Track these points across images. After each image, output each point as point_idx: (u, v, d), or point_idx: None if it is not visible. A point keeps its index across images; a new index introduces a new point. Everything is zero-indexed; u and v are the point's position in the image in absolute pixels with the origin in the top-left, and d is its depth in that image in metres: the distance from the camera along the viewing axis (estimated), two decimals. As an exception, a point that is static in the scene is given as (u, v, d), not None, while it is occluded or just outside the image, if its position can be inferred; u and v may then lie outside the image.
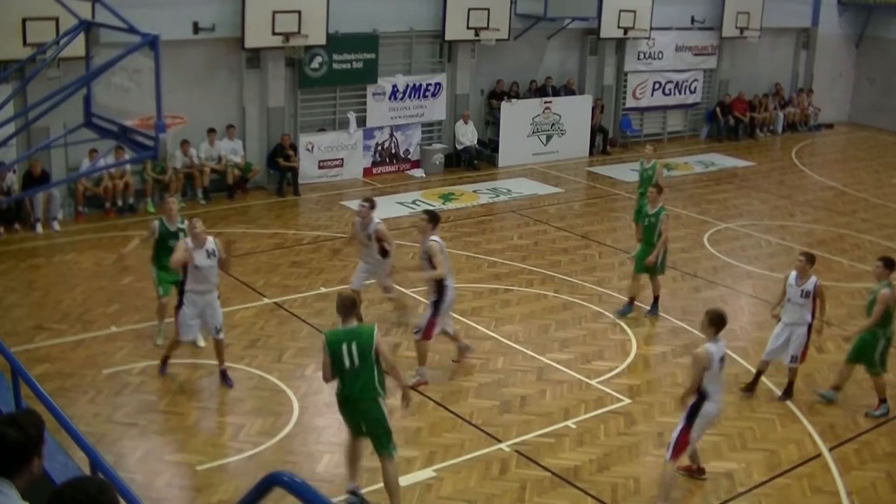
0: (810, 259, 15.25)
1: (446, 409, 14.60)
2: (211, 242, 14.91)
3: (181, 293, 15.20)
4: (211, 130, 25.52)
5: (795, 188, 29.91)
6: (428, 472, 12.87)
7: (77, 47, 14.95)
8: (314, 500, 4.77)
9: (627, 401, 15.16)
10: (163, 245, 15.91)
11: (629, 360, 16.68)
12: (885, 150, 36.79)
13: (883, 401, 15.15)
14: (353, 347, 11.23)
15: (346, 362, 11.24)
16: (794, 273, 15.27)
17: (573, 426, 14.29)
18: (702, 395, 11.99)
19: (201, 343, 16.18)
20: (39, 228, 22.24)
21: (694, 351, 12.21)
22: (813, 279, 15.14)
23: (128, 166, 23.12)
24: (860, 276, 21.33)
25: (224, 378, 15.08)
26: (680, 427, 12.10)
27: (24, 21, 21.17)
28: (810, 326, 15.21)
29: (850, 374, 15.44)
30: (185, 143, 24.32)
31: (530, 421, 14.37)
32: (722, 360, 12.06)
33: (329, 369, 11.39)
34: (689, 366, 12.06)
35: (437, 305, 15.14)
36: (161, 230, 16.05)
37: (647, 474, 13.08)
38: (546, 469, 13.06)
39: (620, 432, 14.24)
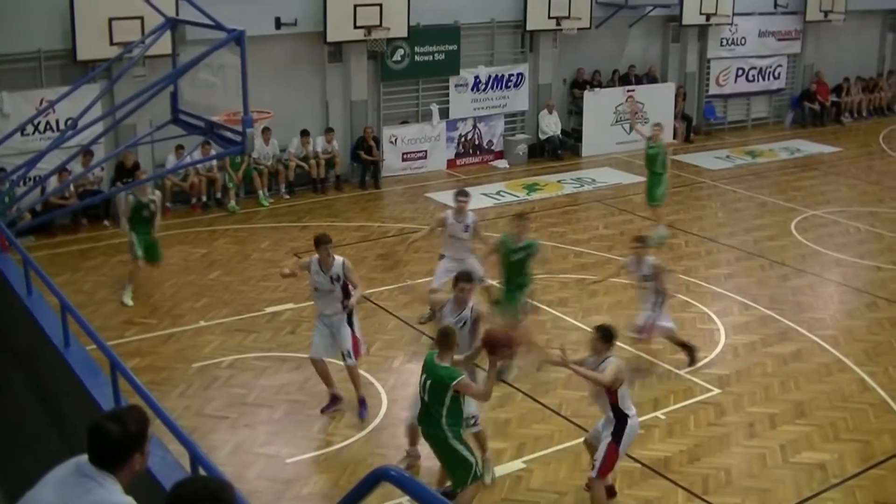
0: None
1: (535, 400, 14.58)
2: (339, 266, 14.05)
3: None
4: (304, 133, 25.69)
5: (884, 173, 29.46)
6: (517, 464, 12.87)
7: (163, 45, 15.16)
8: (423, 495, 4.75)
9: (717, 391, 15.04)
10: (137, 216, 17.65)
11: (718, 349, 16.54)
12: (974, 134, 36.16)
13: None
14: (428, 383, 10.97)
15: (420, 391, 11.12)
16: None
17: (662, 417, 14.21)
18: (622, 414, 11.48)
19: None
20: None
21: (615, 363, 11.42)
22: None
23: (214, 162, 23.32)
24: (952, 262, 21.02)
25: (361, 406, 14.18)
26: (605, 445, 11.51)
27: (110, 21, 21.43)
28: None
29: None
30: (266, 131, 24.39)
31: (619, 412, 14.30)
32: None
33: None
34: (609, 374, 11.34)
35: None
36: (133, 203, 17.54)
37: (738, 465, 12.97)
38: (636, 460, 12.98)
39: (710, 423, 14.13)
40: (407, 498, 5.34)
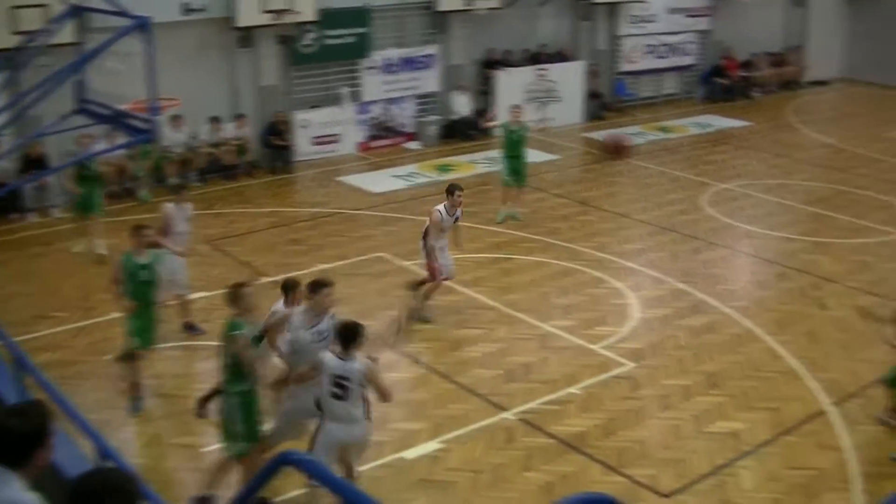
0: None
1: (451, 380, 14.62)
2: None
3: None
4: (214, 119, 25.50)
5: (793, 146, 29.85)
6: (434, 444, 12.90)
7: (67, 33, 14.95)
8: (325, 478, 4.77)
9: (631, 365, 15.18)
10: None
11: (631, 324, 16.69)
12: (880, 105, 36.70)
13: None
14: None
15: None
16: None
17: (578, 392, 14.32)
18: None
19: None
20: (33, 217, 22.24)
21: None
22: None
23: (123, 151, 23.06)
24: (860, 231, 21.33)
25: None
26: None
27: (12, 9, 21.09)
28: None
29: None
30: (176, 119, 24.16)
31: (534, 389, 14.40)
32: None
33: None
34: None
35: None
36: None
37: (653, 437, 13.13)
38: (552, 436, 13.10)
39: (625, 397, 14.27)
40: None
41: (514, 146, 21.97)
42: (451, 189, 17.09)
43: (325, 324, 11.45)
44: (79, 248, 19.96)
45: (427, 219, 16.98)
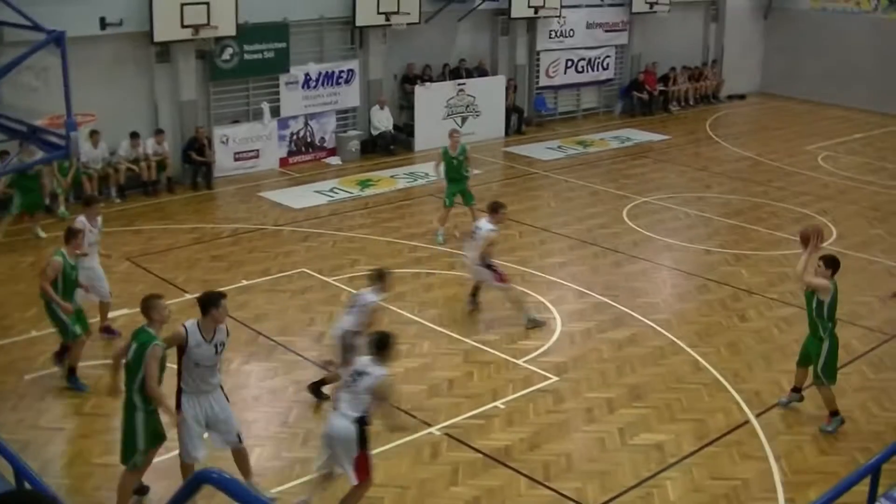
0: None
1: (374, 395, 14.55)
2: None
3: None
4: (134, 135, 25.19)
5: (711, 160, 30.17)
6: (359, 460, 12.81)
7: (-19, 47, 14.73)
8: (243, 496, 4.73)
9: (555, 378, 15.22)
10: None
11: (554, 337, 16.74)
12: (796, 118, 37.20)
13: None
14: (133, 346, 11.20)
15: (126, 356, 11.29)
16: None
17: (502, 406, 14.33)
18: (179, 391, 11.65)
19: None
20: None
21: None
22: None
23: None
24: (778, 243, 21.59)
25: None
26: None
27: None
28: None
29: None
30: (94, 134, 23.87)
31: (459, 403, 14.39)
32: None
33: None
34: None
35: None
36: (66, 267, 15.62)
37: (579, 450, 13.16)
38: (477, 450, 13.09)
39: (549, 410, 14.30)
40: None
41: (455, 170, 21.86)
42: (496, 207, 17.80)
43: (221, 335, 11.63)
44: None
45: (482, 242, 17.40)
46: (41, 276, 14.76)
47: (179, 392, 11.60)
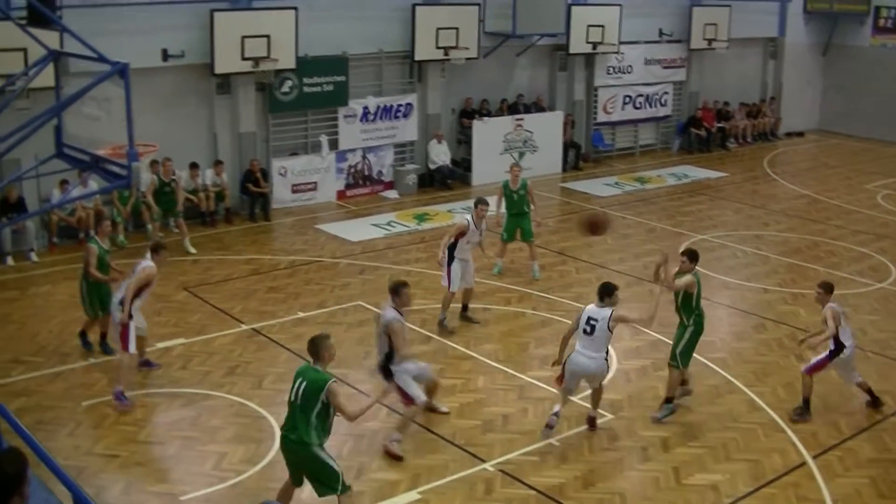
0: (827, 289, 15.11)
1: (429, 430, 14.51)
2: None
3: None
4: (193, 165, 25.44)
5: (769, 197, 30.00)
6: (413, 495, 12.78)
7: (46, 77, 14.94)
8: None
9: (610, 416, 15.12)
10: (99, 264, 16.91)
11: (610, 375, 16.57)
12: (854, 157, 36.95)
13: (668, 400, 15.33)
14: (302, 386, 11.15)
15: (292, 397, 11.23)
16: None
17: (556, 444, 14.24)
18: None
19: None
20: (10, 261, 22.11)
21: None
22: (827, 307, 14.95)
23: (99, 196, 23.01)
24: (836, 282, 21.30)
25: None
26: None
27: (-8, 53, 21.05)
28: (831, 352, 14.97)
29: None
30: (155, 164, 24.06)
31: (513, 440, 14.32)
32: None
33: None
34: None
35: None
36: (100, 251, 16.80)
37: (633, 489, 13.05)
38: (531, 487, 13.01)
39: (604, 448, 14.20)
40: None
41: (516, 205, 21.72)
42: (476, 202, 18.71)
43: None
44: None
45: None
46: (86, 265, 16.78)
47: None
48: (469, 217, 18.54)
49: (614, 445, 14.29)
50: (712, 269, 22.29)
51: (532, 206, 21.94)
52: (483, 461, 13.67)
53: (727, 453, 14.05)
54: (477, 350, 17.55)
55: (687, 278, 14.97)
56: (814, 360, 15.19)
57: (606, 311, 14.03)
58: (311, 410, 11.05)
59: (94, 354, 16.92)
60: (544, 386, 15.98)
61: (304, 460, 11.28)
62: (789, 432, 14.66)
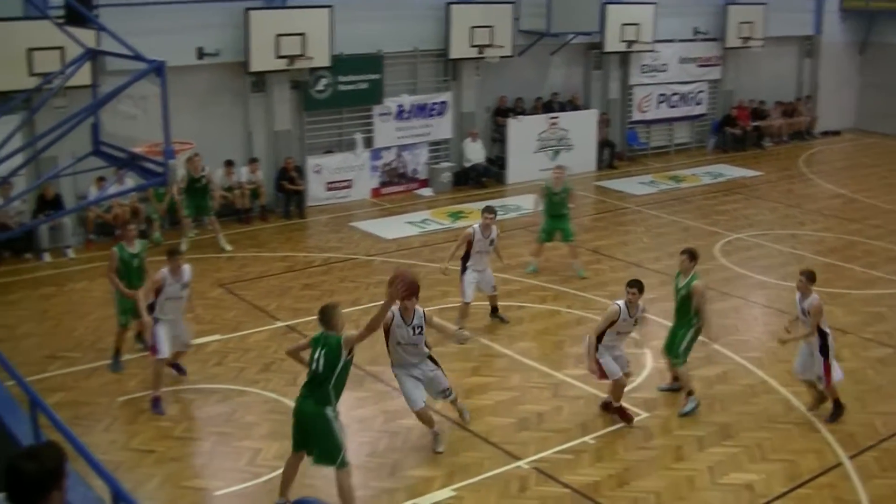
0: (810, 277, 15.02)
1: (463, 427, 14.52)
2: (188, 273, 15.37)
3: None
4: (228, 163, 25.55)
5: (804, 197, 29.88)
6: (447, 492, 12.79)
7: (83, 76, 15.00)
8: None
9: (645, 414, 15.10)
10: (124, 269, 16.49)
11: (645, 374, 16.61)
12: (892, 156, 36.75)
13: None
14: (322, 352, 11.56)
15: (313, 366, 11.61)
16: (798, 293, 15.10)
17: (591, 441, 14.23)
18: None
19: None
20: (47, 257, 22.26)
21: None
22: (811, 297, 14.83)
23: (135, 193, 23.14)
24: (872, 282, 21.29)
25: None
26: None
27: (29, 51, 21.19)
28: (822, 345, 14.77)
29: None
30: (190, 161, 24.14)
31: (548, 437, 14.31)
32: None
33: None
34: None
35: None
36: (122, 254, 16.42)
37: (668, 488, 13.00)
38: (566, 485, 13.00)
39: (639, 446, 14.17)
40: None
41: (556, 207, 21.69)
42: (483, 210, 18.55)
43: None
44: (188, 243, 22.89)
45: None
46: (107, 269, 16.59)
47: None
48: (476, 226, 18.39)
49: (649, 444, 14.26)
50: (748, 268, 22.22)
51: (569, 209, 21.92)
52: (518, 459, 13.66)
53: (762, 453, 13.99)
54: (512, 348, 17.55)
55: (701, 285, 15.45)
56: (820, 371, 14.86)
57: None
58: (333, 372, 11.50)
59: (131, 350, 16.97)
60: (579, 384, 15.97)
61: (316, 424, 11.64)
62: (825, 432, 14.58)
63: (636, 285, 14.71)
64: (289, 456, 12.16)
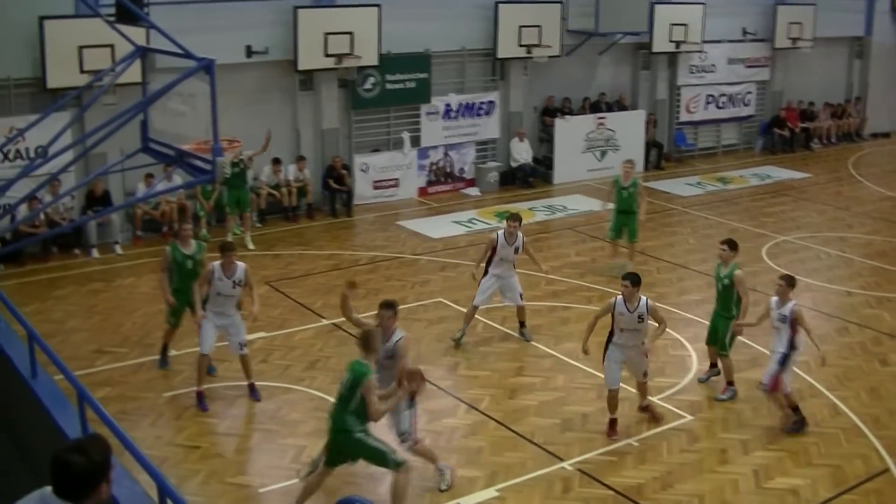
0: (790, 282, 14.87)
1: (507, 427, 14.52)
2: (241, 271, 15.24)
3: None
4: (276, 161, 25.66)
5: (853, 199, 29.66)
6: (490, 492, 12.79)
7: (133, 73, 15.06)
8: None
9: (689, 417, 15.04)
10: (177, 269, 16.34)
11: (690, 376, 16.54)
12: (942, 159, 36.44)
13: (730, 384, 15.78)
14: (347, 377, 11.65)
15: (341, 388, 11.73)
16: (774, 297, 14.93)
17: (635, 444, 14.19)
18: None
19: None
20: (95, 253, 22.43)
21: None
22: (791, 304, 14.69)
23: (182, 191, 23.29)
24: (922, 287, 21.14)
25: (252, 392, 15.49)
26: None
27: (80, 49, 21.37)
28: (785, 355, 14.62)
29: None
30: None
31: (592, 439, 14.28)
32: None
33: None
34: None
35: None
36: (174, 255, 16.29)
37: (712, 492, 12.94)
38: (609, 487, 12.96)
39: (683, 449, 14.11)
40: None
41: (625, 202, 21.64)
42: (507, 217, 18.26)
43: (390, 345, 12.88)
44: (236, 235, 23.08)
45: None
46: (158, 266, 16.67)
47: None
48: (500, 232, 17.95)
49: (693, 447, 14.20)
50: (795, 270, 22.00)
51: (640, 206, 21.82)
52: (561, 460, 13.64)
53: (808, 458, 13.90)
54: (557, 349, 17.52)
55: (742, 274, 16.01)
56: (766, 377, 14.81)
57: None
58: (350, 400, 11.51)
59: (178, 347, 17.05)
60: (623, 386, 15.85)
61: (349, 447, 11.76)
62: (872, 437, 14.47)
63: (629, 277, 14.75)
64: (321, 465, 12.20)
